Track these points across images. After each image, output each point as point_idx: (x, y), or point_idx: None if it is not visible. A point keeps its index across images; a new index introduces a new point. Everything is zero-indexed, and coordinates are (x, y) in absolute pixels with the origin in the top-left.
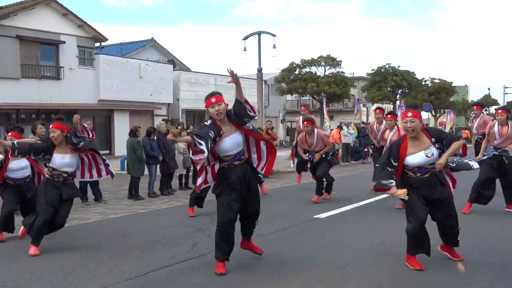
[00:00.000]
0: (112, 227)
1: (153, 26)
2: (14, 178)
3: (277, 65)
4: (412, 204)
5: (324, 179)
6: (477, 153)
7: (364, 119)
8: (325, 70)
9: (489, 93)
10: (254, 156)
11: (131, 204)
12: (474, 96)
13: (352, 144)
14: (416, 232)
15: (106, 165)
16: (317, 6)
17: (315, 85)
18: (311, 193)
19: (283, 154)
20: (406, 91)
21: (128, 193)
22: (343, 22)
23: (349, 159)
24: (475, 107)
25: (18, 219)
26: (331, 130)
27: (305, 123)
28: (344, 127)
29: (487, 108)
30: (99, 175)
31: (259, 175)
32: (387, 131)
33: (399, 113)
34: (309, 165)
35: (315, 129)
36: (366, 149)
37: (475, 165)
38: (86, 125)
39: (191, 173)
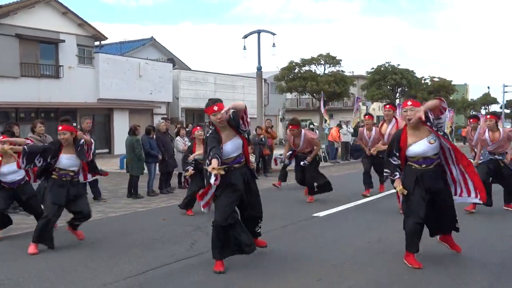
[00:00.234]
0: (111, 226)
1: (152, 25)
2: (6, 182)
3: (277, 63)
4: (413, 202)
5: (315, 183)
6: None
7: (363, 117)
8: (324, 69)
9: (488, 92)
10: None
11: (130, 203)
12: (473, 94)
13: (351, 143)
14: (414, 230)
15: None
16: (317, 5)
17: (315, 84)
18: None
19: (283, 153)
20: (406, 89)
21: (127, 192)
22: (343, 21)
23: (349, 157)
24: (471, 120)
25: (19, 219)
26: (330, 128)
27: (290, 126)
28: (344, 126)
29: (487, 107)
30: (85, 178)
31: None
32: (384, 124)
33: (398, 113)
34: (295, 167)
35: (303, 130)
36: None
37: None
38: (91, 143)
39: None
